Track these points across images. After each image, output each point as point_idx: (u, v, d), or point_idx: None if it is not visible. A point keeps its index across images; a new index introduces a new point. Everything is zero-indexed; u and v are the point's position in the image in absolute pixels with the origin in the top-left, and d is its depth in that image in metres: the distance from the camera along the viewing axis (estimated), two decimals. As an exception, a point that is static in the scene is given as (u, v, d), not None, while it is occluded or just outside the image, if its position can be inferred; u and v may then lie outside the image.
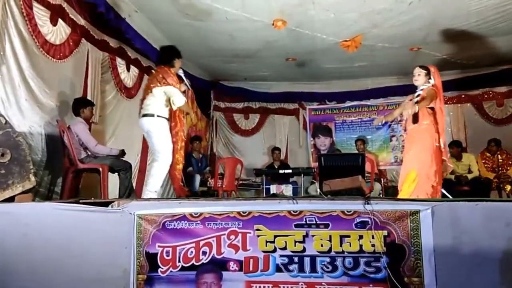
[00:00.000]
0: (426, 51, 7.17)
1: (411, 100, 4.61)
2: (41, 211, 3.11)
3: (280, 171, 7.72)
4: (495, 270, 2.50)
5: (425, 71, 4.56)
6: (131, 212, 3.04)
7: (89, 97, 5.17)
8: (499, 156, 7.09)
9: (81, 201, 3.23)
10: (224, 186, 6.89)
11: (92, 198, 3.50)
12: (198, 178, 7.28)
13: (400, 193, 4.34)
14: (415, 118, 4.42)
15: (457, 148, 7.13)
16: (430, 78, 4.54)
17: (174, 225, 2.99)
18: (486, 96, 8.52)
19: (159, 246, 2.98)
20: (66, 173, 4.59)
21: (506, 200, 5.16)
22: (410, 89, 6.89)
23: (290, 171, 7.71)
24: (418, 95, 4.51)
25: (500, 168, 6.99)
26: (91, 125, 5.11)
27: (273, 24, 6.03)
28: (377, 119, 5.06)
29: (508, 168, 7.01)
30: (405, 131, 4.77)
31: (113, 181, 4.77)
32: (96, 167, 4.68)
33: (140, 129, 4.49)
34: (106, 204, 3.15)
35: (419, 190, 4.21)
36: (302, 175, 7.50)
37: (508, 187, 6.70)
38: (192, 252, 2.93)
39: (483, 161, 7.18)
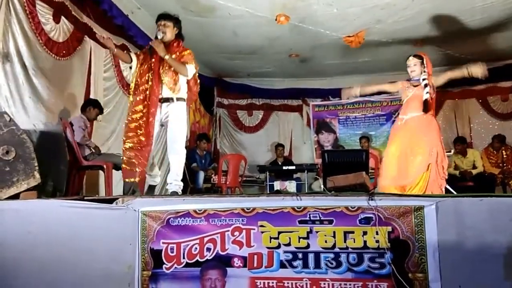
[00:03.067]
0: (430, 47, 7.14)
1: (415, 86, 4.38)
2: (46, 208, 3.13)
3: (284, 168, 7.72)
4: (500, 266, 2.50)
5: (420, 60, 4.42)
6: (135, 209, 3.05)
7: (91, 94, 5.20)
8: (503, 151, 7.07)
9: (85, 198, 3.25)
10: (228, 182, 6.90)
11: (97, 195, 3.52)
12: (202, 174, 7.28)
13: (412, 188, 4.12)
14: (426, 107, 4.23)
15: (462, 145, 7.14)
16: (424, 67, 4.38)
17: (179, 222, 3.00)
18: (490, 91, 8.47)
19: (163, 243, 2.99)
20: (70, 171, 4.61)
21: (510, 195, 5.14)
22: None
23: (293, 167, 7.72)
24: (426, 85, 4.29)
25: (504, 164, 6.97)
26: (93, 123, 5.11)
27: (276, 19, 6.02)
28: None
29: (513, 163, 6.99)
30: (396, 115, 4.53)
31: (117, 178, 4.79)
32: (101, 164, 4.70)
33: None
34: (110, 201, 3.16)
35: (433, 184, 4.10)
36: (305, 171, 7.50)
37: (514, 183, 6.69)
38: (196, 248, 2.94)
39: (487, 156, 7.16)
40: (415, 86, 4.40)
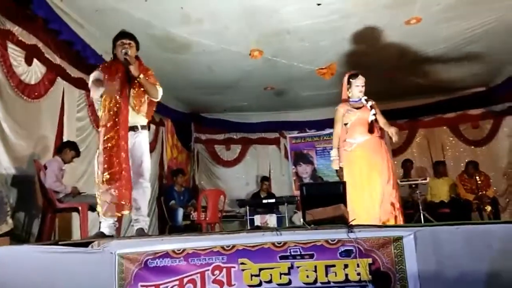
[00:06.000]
0: (401, 77, 7.34)
1: (357, 108, 4.31)
2: (20, 255, 3.02)
3: (264, 201, 7.68)
4: (480, 293, 2.51)
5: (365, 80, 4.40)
6: (112, 251, 2.97)
7: (64, 135, 5.16)
8: (477, 177, 7.20)
9: (60, 242, 3.16)
10: (207, 218, 6.82)
11: (71, 239, 3.42)
12: (181, 211, 7.19)
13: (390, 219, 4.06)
14: (371, 129, 4.21)
15: (443, 167, 7.65)
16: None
17: (157, 263, 2.93)
18: (461, 118, 8.69)
19: (141, 286, 2.90)
20: (44, 214, 4.50)
21: (486, 222, 5.22)
22: (389, 114, 7.02)
23: (273, 200, 7.68)
24: (372, 107, 4.25)
25: (479, 190, 7.09)
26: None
27: (250, 54, 6.14)
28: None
29: (487, 189, 7.13)
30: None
31: (93, 220, 4.69)
32: (76, 206, 4.61)
33: None
34: (86, 244, 3.08)
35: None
36: (285, 204, 7.47)
37: (489, 208, 6.79)
38: (175, 290, 2.87)
39: (462, 183, 7.30)
40: (356, 108, 4.34)
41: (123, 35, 3.74)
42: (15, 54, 4.41)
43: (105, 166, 3.51)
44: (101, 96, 3.66)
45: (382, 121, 4.33)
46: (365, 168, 4.17)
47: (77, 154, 4.95)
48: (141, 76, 3.61)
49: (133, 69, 3.57)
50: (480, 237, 2.60)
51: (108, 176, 3.49)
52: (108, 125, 3.56)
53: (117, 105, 3.58)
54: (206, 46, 5.91)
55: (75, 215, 4.98)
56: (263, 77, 7.26)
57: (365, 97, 4.30)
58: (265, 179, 8.95)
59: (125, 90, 3.63)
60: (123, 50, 3.60)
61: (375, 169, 4.13)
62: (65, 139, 5.14)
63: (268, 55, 6.29)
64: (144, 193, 3.76)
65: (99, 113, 3.74)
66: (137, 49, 3.80)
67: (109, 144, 3.53)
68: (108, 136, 3.54)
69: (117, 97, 3.58)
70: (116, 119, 3.56)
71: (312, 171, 9.44)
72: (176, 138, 8.89)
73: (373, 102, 4.31)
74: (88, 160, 5.51)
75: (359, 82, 4.37)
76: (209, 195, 7.26)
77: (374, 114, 4.21)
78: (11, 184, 4.29)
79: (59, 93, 5.15)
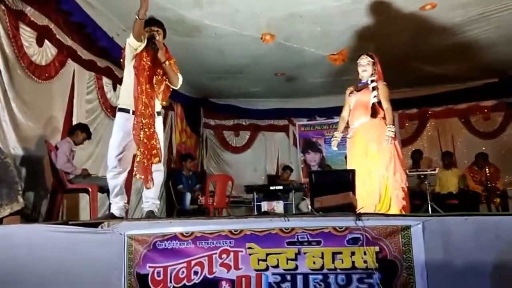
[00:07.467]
0: (413, 64, 7.25)
1: (359, 91, 4.20)
2: (30, 234, 3.06)
3: (271, 188, 7.69)
4: (487, 283, 2.51)
5: (372, 60, 4.23)
6: (121, 232, 3.00)
7: (74, 117, 5.19)
8: (486, 169, 7.15)
9: (70, 222, 3.19)
10: (215, 203, 6.85)
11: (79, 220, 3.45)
12: (188, 196, 7.24)
13: (380, 205, 3.94)
14: (374, 112, 4.05)
15: (449, 158, 7.52)
16: (375, 69, 4.22)
17: (165, 245, 2.95)
18: (472, 109, 8.61)
19: (150, 267, 2.93)
20: (54, 194, 4.54)
21: (495, 213, 5.20)
22: (400, 103, 6.92)
23: (281, 187, 7.68)
24: (374, 88, 4.10)
25: (488, 181, 7.04)
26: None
27: (261, 38, 6.09)
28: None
29: (497, 181, 7.08)
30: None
31: (101, 201, 4.73)
32: (86, 187, 4.65)
33: None
34: (95, 224, 3.11)
35: (392, 196, 3.94)
36: (293, 191, 7.48)
37: (498, 200, 6.76)
38: (183, 272, 2.89)
39: (471, 174, 7.27)
40: (358, 90, 4.22)
41: (152, 22, 3.75)
42: (27, 35, 4.43)
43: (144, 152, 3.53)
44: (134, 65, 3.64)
45: (385, 107, 4.12)
46: (360, 157, 4.08)
47: (88, 136, 4.99)
48: (167, 62, 3.66)
49: (161, 54, 3.62)
50: (489, 228, 2.58)
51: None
52: (143, 111, 3.56)
53: (151, 95, 3.63)
54: (217, 29, 5.89)
55: (82, 196, 5.04)
56: (274, 62, 7.22)
57: (372, 78, 4.16)
58: (288, 168, 8.88)
59: (153, 78, 3.68)
60: (151, 34, 3.64)
61: (370, 157, 4.02)
62: (74, 121, 5.18)
63: (280, 39, 6.24)
64: (158, 177, 3.79)
65: (131, 93, 3.63)
66: (164, 36, 3.81)
67: (146, 130, 3.55)
68: (143, 122, 3.55)
69: (148, 86, 3.61)
70: (150, 109, 3.59)
71: (321, 159, 9.43)
72: (185, 123, 8.91)
73: (377, 84, 4.13)
74: (96, 142, 5.55)
75: (362, 62, 4.26)
76: (217, 180, 7.29)
77: (375, 96, 4.06)
78: (19, 164, 4.33)
79: (69, 75, 5.17)
